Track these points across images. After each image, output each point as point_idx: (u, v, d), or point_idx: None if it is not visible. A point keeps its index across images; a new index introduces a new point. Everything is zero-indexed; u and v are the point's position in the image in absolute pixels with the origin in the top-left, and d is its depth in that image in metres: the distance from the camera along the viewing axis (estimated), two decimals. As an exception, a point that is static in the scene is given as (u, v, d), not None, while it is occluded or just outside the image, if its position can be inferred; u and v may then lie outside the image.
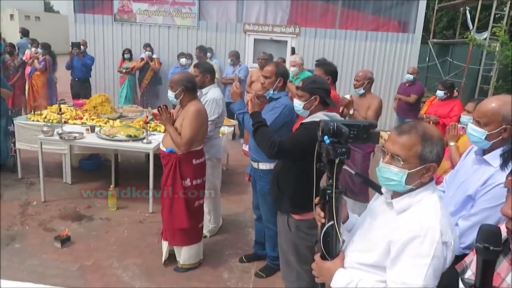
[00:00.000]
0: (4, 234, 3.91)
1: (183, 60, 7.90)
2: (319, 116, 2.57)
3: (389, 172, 1.47)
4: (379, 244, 1.47)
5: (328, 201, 1.53)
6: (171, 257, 3.56)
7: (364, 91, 4.33)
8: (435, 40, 14.74)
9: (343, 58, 9.09)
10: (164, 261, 3.56)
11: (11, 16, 23.09)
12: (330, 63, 4.65)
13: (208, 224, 4.05)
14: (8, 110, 5.69)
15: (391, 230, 1.45)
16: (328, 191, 1.52)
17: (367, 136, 1.55)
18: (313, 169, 2.61)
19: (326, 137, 1.48)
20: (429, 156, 1.44)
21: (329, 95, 2.69)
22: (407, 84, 6.78)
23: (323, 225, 1.55)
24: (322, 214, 1.57)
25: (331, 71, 4.26)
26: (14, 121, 5.25)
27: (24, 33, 10.51)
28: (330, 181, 1.52)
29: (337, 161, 1.47)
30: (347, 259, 1.58)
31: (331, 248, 1.58)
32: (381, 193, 1.60)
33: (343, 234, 1.67)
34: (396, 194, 1.52)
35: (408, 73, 6.79)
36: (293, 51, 6.52)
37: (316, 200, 1.61)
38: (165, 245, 3.56)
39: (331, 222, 1.52)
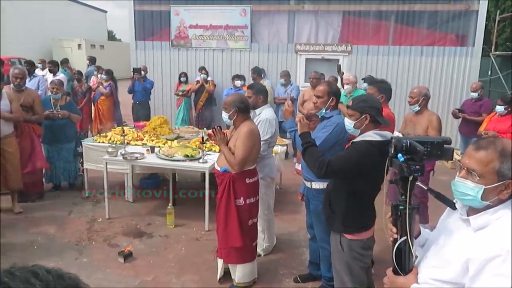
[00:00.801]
0: (73, 248, 4.20)
1: (238, 82, 8.12)
2: (371, 135, 2.56)
3: (464, 187, 1.46)
4: (456, 261, 1.45)
5: (400, 216, 1.54)
6: (227, 274, 3.63)
7: (419, 108, 4.22)
8: (497, 52, 13.98)
9: (397, 75, 8.90)
10: (220, 279, 3.63)
11: (79, 45, 25.04)
12: (383, 80, 4.59)
13: (262, 243, 4.08)
14: (77, 133, 6.17)
15: (468, 247, 1.43)
16: (401, 207, 1.53)
17: (441, 153, 1.55)
18: (364, 189, 2.60)
19: (400, 154, 1.49)
20: (507, 173, 1.41)
21: (381, 114, 2.67)
22: (473, 100, 6.44)
23: (395, 240, 1.57)
24: (394, 229, 1.58)
25: (385, 89, 4.21)
26: (82, 142, 5.68)
27: (92, 60, 11.33)
28: (403, 197, 1.53)
29: (411, 178, 1.48)
30: (421, 274, 1.58)
31: (404, 263, 1.58)
32: (454, 209, 1.58)
33: (415, 249, 1.67)
34: (472, 211, 1.50)
35: (471, 91, 6.45)
36: (339, 69, 6.49)
37: (388, 215, 1.63)
38: (220, 262, 3.63)
39: (404, 238, 1.53)
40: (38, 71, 8.85)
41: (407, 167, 1.47)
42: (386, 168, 1.62)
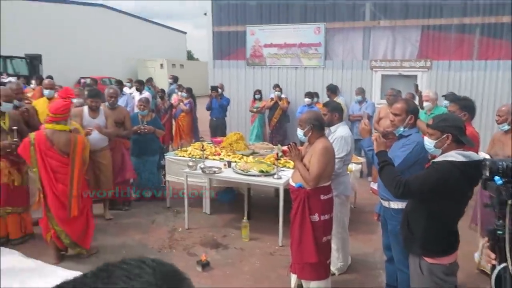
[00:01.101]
0: (156, 255, 4.49)
1: (307, 100, 8.15)
2: (453, 155, 2.47)
3: None
4: None
5: (498, 242, 1.49)
6: (300, 290, 3.66)
7: (509, 127, 3.95)
8: None
9: (483, 91, 8.34)
10: (293, 294, 3.67)
11: (161, 65, 26.88)
12: (466, 97, 4.38)
13: (336, 262, 4.05)
14: (161, 147, 6.63)
15: None
16: (499, 232, 1.49)
17: None
18: (445, 210, 2.49)
19: (497, 177, 1.46)
20: None
21: (464, 133, 2.57)
22: None
23: (494, 266, 1.52)
24: (492, 255, 1.54)
25: (467, 106, 4.02)
26: (165, 156, 6.09)
27: (175, 79, 12.08)
28: (501, 221, 1.49)
29: (510, 202, 1.44)
30: None
31: None
32: None
33: None
34: None
35: None
36: (416, 88, 6.28)
37: (485, 241, 1.58)
38: (293, 278, 3.67)
39: (504, 264, 1.48)
40: (126, 90, 9.65)
41: (506, 190, 1.42)
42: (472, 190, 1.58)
